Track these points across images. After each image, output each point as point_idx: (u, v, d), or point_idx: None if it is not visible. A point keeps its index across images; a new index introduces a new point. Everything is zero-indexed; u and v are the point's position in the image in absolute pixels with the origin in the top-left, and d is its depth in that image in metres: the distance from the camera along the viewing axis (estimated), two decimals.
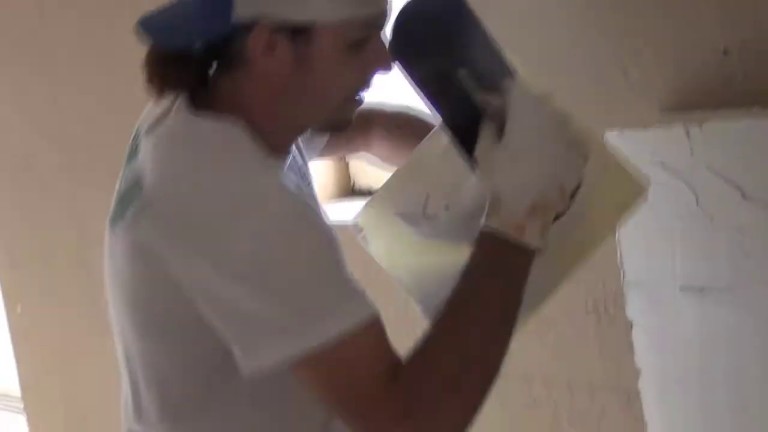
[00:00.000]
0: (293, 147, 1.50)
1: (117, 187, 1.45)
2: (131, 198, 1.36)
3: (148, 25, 1.35)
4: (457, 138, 1.39)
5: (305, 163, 1.60)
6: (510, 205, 1.27)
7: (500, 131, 1.33)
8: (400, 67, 1.39)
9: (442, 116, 1.42)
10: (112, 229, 1.42)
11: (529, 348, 2.35)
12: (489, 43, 1.42)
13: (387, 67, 1.39)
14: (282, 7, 1.29)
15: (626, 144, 1.81)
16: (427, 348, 1.27)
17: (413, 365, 1.27)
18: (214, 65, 1.38)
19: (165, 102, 1.41)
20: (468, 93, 1.38)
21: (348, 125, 1.46)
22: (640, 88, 2.00)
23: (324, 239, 1.31)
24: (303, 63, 1.33)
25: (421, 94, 1.39)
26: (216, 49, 1.34)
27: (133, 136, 1.48)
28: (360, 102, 1.43)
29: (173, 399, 1.43)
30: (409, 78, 1.40)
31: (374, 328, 1.27)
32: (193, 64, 1.37)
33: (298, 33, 1.30)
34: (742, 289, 1.78)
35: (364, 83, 1.40)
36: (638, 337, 1.95)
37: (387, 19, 1.39)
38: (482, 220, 1.31)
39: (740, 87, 1.88)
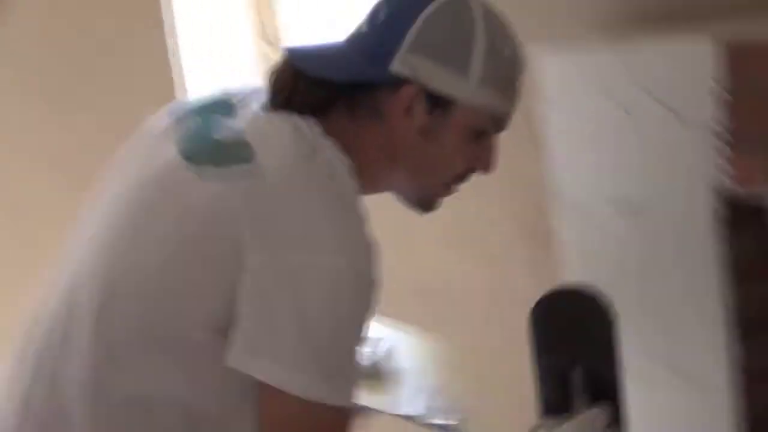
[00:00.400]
0: None
1: (188, 125, 1.48)
2: (236, 157, 1.39)
3: (299, 56, 1.44)
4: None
5: None
6: None
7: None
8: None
9: (540, 398, 1.60)
10: (192, 166, 1.42)
11: (467, 269, 2.43)
12: (613, 348, 1.58)
13: (490, 170, 1.49)
14: (437, 77, 1.38)
15: (563, 63, 1.92)
16: None
17: None
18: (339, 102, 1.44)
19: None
20: (572, 390, 1.57)
21: (431, 209, 1.54)
22: (578, 8, 2.07)
23: (367, 315, 1.37)
24: (431, 133, 1.42)
25: (536, 374, 1.59)
26: (353, 90, 1.41)
27: (220, 93, 1.52)
28: (450, 192, 1.53)
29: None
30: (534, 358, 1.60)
31: (346, 422, 1.36)
32: (326, 93, 1.42)
33: (438, 105, 1.40)
34: (666, 205, 1.86)
35: (467, 174, 1.50)
36: (569, 250, 2.04)
37: (508, 125, 1.49)
38: None
39: (676, 10, 1.92)
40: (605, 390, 1.60)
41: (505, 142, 1.59)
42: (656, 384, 1.97)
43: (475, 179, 1.54)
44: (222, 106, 1.51)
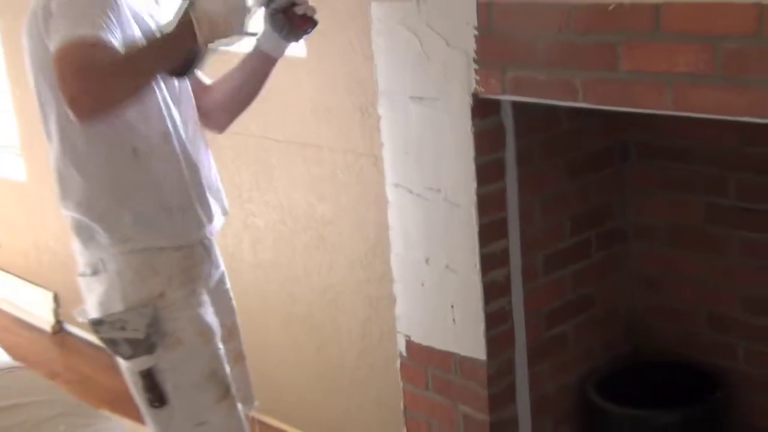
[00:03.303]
0: None
1: None
2: None
3: None
4: None
5: None
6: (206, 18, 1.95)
7: None
8: None
9: None
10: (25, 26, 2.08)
11: (323, 130, 3.01)
12: None
13: None
14: None
15: (385, 9, 2.37)
16: (114, 57, 1.91)
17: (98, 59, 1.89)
18: None
19: None
20: None
21: None
22: None
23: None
24: None
25: None
26: None
27: None
28: None
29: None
30: None
31: (98, 44, 1.90)
32: None
33: None
34: (445, 99, 2.31)
35: None
36: (384, 126, 2.49)
37: None
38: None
39: None
40: None
41: None
42: None
43: None
44: None
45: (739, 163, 2.54)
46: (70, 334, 4.59)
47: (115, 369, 2.32)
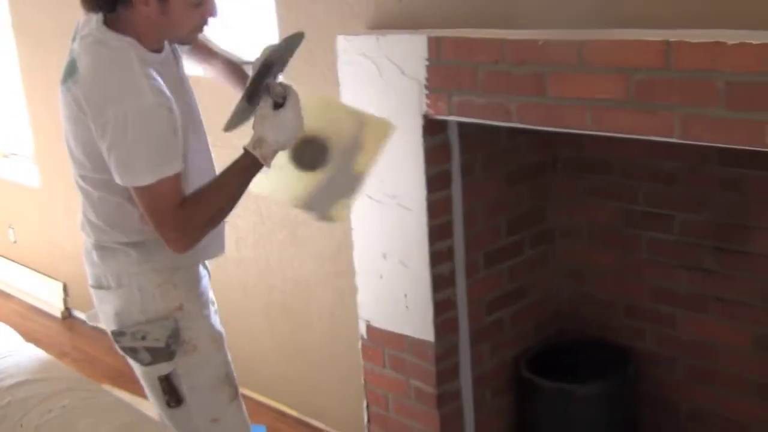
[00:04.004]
0: (167, 47, 1.97)
1: (67, 59, 1.92)
2: (72, 72, 1.85)
3: None
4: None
5: (178, 55, 2.05)
6: (266, 145, 1.86)
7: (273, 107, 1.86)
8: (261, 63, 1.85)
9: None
10: (63, 86, 1.89)
11: None
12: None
13: (215, 16, 1.90)
14: None
15: (349, 43, 2.37)
16: (200, 202, 1.85)
17: (187, 208, 1.83)
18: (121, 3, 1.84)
19: (92, 17, 1.88)
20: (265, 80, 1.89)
21: (189, 44, 2.01)
22: (357, 16, 2.51)
23: (163, 119, 1.77)
24: (164, 12, 1.83)
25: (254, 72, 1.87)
26: None
27: (74, 30, 1.94)
28: (201, 31, 1.93)
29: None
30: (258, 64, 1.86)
31: (177, 179, 1.80)
32: (106, 2, 1.84)
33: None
34: (400, 119, 2.22)
35: (202, 26, 1.92)
36: None
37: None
38: (248, 145, 1.86)
39: (404, 19, 2.38)
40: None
41: None
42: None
43: None
44: (72, 38, 1.90)
45: (648, 175, 2.56)
46: (77, 319, 4.55)
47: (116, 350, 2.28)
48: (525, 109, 2.07)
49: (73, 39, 1.91)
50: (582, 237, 2.76)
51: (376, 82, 2.36)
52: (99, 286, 2.09)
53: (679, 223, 2.52)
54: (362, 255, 2.57)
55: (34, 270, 4.78)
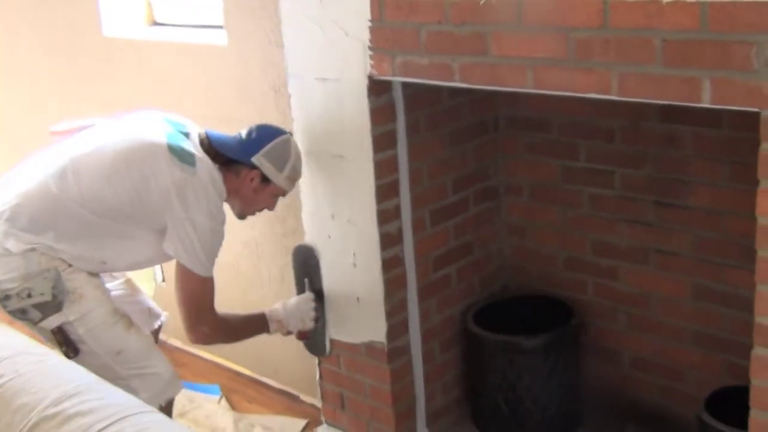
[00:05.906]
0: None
1: (179, 139, 2.25)
2: (187, 159, 2.19)
3: (215, 139, 2.29)
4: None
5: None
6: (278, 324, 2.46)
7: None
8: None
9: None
10: (170, 153, 2.19)
11: (243, 106, 2.92)
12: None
13: (269, 210, 2.44)
14: (268, 170, 2.30)
15: (293, 4, 2.34)
16: (231, 320, 2.38)
17: (224, 317, 2.33)
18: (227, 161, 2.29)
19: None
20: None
21: (244, 218, 2.44)
22: None
23: (221, 234, 2.25)
24: (257, 191, 2.33)
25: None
26: (234, 162, 2.28)
27: (182, 126, 2.32)
28: (252, 214, 2.45)
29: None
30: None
31: (212, 283, 2.26)
32: (224, 159, 2.29)
33: (265, 181, 2.30)
34: (345, 80, 2.31)
35: (263, 210, 2.44)
36: (294, 103, 2.49)
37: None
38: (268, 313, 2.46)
39: None
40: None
41: None
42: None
43: None
44: (183, 132, 2.29)
45: (588, 132, 2.59)
46: None
47: None
48: (467, 68, 2.07)
49: (186, 133, 2.29)
50: (525, 194, 2.78)
51: (320, 43, 2.36)
52: None
53: (619, 178, 2.54)
54: (311, 215, 2.58)
55: None
